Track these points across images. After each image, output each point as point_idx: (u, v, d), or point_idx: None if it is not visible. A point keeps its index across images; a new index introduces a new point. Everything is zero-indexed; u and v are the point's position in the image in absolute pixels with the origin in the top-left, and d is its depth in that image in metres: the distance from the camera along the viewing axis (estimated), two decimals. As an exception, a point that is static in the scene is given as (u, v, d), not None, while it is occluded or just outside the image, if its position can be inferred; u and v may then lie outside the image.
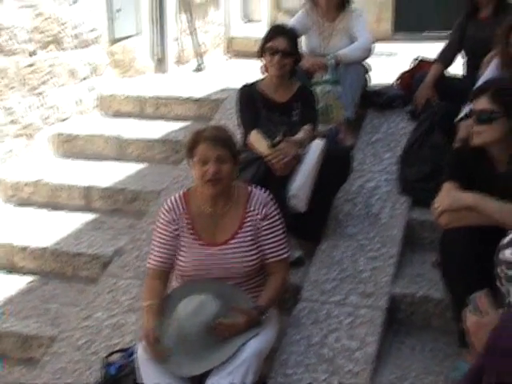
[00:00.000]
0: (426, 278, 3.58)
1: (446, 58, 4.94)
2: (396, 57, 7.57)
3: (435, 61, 4.96)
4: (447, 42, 5.02)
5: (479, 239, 2.90)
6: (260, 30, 8.52)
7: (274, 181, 3.65)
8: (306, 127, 3.89)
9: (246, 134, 3.95)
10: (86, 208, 4.85)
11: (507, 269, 1.76)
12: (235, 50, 8.08)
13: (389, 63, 6.71)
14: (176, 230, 3.10)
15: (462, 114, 4.01)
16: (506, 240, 1.85)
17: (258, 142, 3.80)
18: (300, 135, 3.82)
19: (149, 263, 3.14)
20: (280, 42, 3.94)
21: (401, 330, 3.46)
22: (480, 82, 4.06)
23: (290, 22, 5.18)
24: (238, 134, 4.04)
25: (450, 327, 3.21)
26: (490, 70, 4.17)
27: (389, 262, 3.64)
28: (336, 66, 4.73)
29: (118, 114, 5.92)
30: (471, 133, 3.13)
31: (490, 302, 1.74)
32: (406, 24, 9.74)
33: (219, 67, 7.31)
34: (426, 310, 3.45)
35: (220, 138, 3.06)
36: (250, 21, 9.24)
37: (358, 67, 4.88)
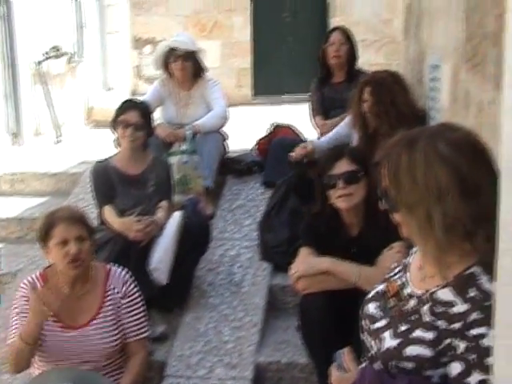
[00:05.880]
0: (290, 344, 3.60)
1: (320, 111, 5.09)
2: (256, 120, 7.72)
3: (315, 116, 5.12)
4: (311, 104, 5.19)
5: (342, 299, 2.96)
6: (121, 99, 8.50)
7: (134, 255, 3.64)
8: (164, 204, 3.92)
9: (100, 210, 3.91)
10: None
11: (370, 323, 1.80)
12: (95, 119, 7.99)
13: (249, 127, 6.83)
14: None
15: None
16: (370, 294, 1.89)
17: (112, 217, 3.80)
18: (159, 215, 3.84)
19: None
20: (132, 116, 3.96)
21: (269, 398, 3.45)
22: (328, 137, 4.26)
23: (146, 94, 5.22)
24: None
25: (316, 390, 3.23)
26: (339, 127, 4.36)
27: (252, 330, 3.64)
28: (194, 135, 4.78)
29: (-29, 193, 5.67)
30: (334, 198, 3.13)
31: (352, 359, 1.78)
32: (266, 88, 10.06)
33: (78, 139, 7.19)
34: (293, 376, 3.46)
35: (76, 216, 3.01)
36: (110, 89, 9.20)
37: (216, 136, 4.96)
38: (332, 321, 2.99)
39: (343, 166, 3.10)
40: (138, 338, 3.06)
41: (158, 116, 5.09)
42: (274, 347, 3.60)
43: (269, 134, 5.30)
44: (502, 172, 1.35)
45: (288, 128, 5.37)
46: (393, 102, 3.88)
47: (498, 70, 2.35)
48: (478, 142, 1.66)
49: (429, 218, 1.57)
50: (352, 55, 5.07)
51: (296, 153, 4.38)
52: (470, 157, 1.60)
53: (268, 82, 10.09)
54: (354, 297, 2.91)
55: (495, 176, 1.57)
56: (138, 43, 9.95)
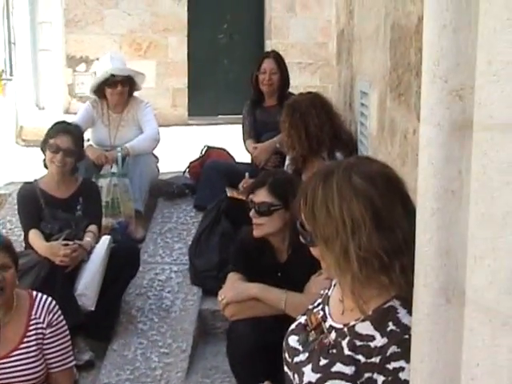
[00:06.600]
0: (219, 370, 3.57)
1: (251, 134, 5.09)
2: (190, 141, 7.69)
3: (246, 139, 5.10)
4: (243, 127, 5.19)
5: (270, 326, 2.95)
6: (53, 118, 8.35)
7: (60, 281, 3.58)
8: (92, 228, 3.85)
9: (25, 234, 3.82)
10: None
11: (292, 356, 1.78)
12: (26, 139, 7.83)
13: (183, 148, 6.80)
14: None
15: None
16: (292, 326, 1.87)
17: (38, 241, 3.72)
18: (87, 239, 3.78)
19: None
20: (63, 141, 3.88)
21: (197, 425, 3.41)
22: None
23: (77, 114, 5.14)
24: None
25: (243, 419, 3.20)
26: None
27: (181, 356, 3.60)
28: (124, 158, 4.72)
29: None
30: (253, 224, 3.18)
31: None
32: (201, 109, 10.04)
33: (7, 158, 7.01)
34: (220, 403, 3.43)
35: (1, 243, 2.90)
36: (42, 108, 9.04)
37: (148, 158, 4.90)
38: (260, 348, 2.96)
39: (260, 196, 3.07)
40: (62, 368, 2.96)
41: (88, 137, 5.02)
42: (202, 373, 3.56)
43: (201, 156, 5.28)
44: (418, 206, 1.36)
45: (221, 150, 5.37)
46: (306, 126, 3.90)
47: (419, 100, 2.39)
48: (393, 175, 1.68)
49: (345, 251, 1.57)
50: (284, 80, 5.09)
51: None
52: (383, 190, 1.60)
53: (203, 102, 10.08)
54: (285, 324, 2.91)
55: (410, 209, 1.58)
56: (72, 61, 9.82)
